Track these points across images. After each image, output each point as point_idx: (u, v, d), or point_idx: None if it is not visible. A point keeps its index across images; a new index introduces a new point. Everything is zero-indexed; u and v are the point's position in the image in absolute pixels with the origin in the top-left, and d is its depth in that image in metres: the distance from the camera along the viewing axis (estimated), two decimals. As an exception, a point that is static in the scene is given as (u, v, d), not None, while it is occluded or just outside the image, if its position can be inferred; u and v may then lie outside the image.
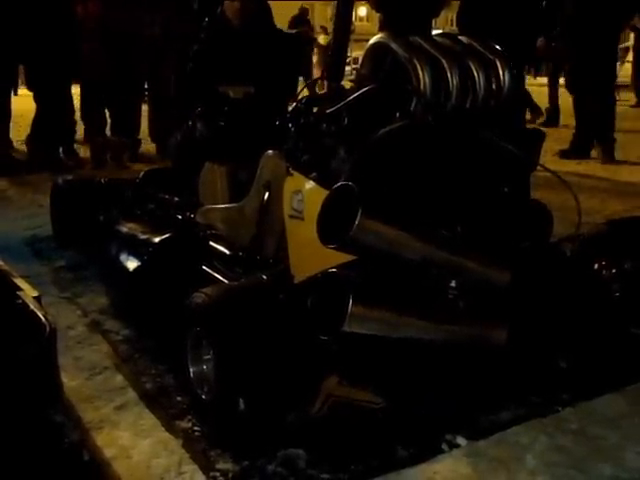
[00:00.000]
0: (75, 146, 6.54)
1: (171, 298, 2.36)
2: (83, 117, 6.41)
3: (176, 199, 3.29)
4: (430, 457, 1.89)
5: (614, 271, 2.36)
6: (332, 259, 1.95)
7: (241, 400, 1.92)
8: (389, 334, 1.91)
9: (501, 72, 2.23)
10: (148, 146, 6.61)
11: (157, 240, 2.83)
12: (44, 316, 1.52)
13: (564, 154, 6.23)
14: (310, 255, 2.12)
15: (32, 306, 1.55)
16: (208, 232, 2.83)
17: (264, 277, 2.31)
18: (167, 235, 2.84)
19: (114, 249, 3.07)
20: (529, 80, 8.91)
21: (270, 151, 2.52)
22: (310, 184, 2.22)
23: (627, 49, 11.47)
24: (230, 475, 1.82)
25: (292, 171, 2.32)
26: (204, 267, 2.63)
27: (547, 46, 6.46)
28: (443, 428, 1.99)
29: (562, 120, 8.21)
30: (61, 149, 6.25)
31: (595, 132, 6.25)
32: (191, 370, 2.11)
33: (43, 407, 1.48)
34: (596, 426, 2.03)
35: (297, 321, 1.95)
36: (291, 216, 2.28)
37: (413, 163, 2.08)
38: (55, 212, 3.80)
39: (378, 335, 1.89)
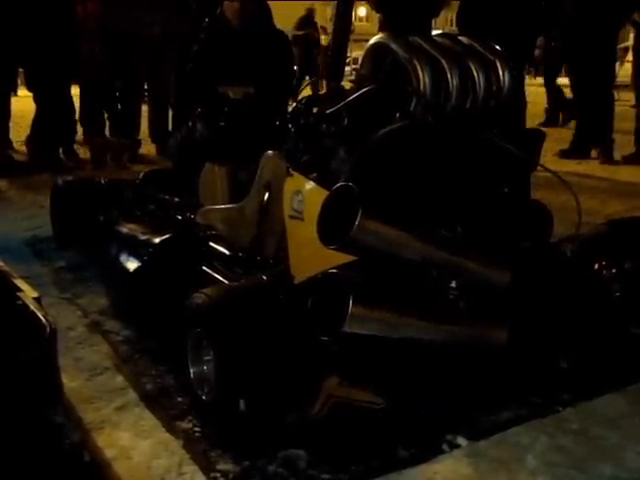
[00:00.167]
0: (75, 147, 6.54)
1: (171, 299, 2.36)
2: (82, 118, 6.41)
3: (176, 200, 3.29)
4: (431, 457, 1.89)
5: (614, 271, 2.36)
6: (332, 259, 1.95)
7: (241, 401, 1.92)
8: (389, 334, 1.91)
9: (501, 72, 2.22)
10: (148, 147, 6.61)
11: (157, 241, 2.83)
12: (44, 317, 1.52)
13: (564, 154, 6.23)
14: (310, 255, 2.12)
15: (32, 307, 1.55)
16: (208, 233, 2.83)
17: (264, 278, 2.31)
18: (167, 236, 2.84)
19: (114, 250, 3.07)
20: (529, 80, 8.90)
21: (270, 151, 2.52)
22: (310, 184, 2.22)
23: (627, 49, 11.45)
24: (231, 476, 1.82)
25: (292, 171, 2.32)
26: (204, 268, 2.63)
27: (547, 46, 6.46)
28: (444, 428, 1.99)
29: (562, 120, 8.21)
30: (61, 150, 6.25)
31: (594, 132, 6.25)
32: (191, 371, 2.11)
33: (43, 408, 1.49)
34: (596, 426, 2.03)
35: (297, 321, 1.95)
36: (291, 216, 2.28)
37: (413, 163, 2.08)
38: (55, 213, 3.80)
39: (378, 335, 1.89)
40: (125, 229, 3.16)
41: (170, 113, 6.56)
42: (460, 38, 2.34)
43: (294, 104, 2.50)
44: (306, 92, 2.62)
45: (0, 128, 6.05)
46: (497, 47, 2.30)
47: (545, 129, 3.50)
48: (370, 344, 1.91)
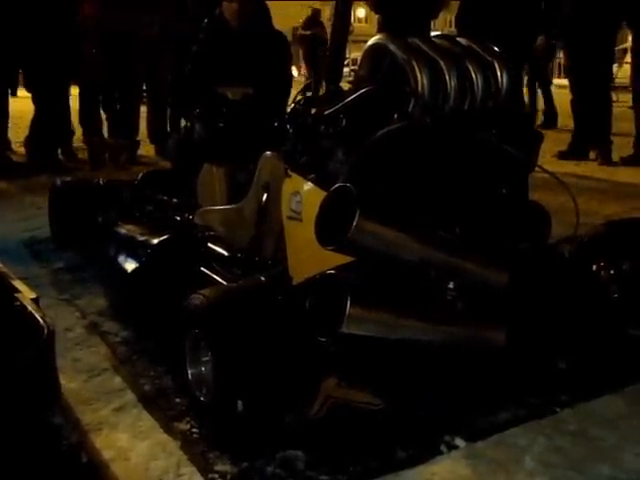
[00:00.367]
0: (74, 147, 6.54)
1: (169, 300, 2.36)
2: (81, 118, 6.41)
3: (174, 200, 3.29)
4: (429, 458, 1.89)
5: (612, 272, 2.36)
6: (330, 260, 1.95)
7: (239, 402, 1.92)
8: (387, 335, 1.91)
9: (499, 74, 2.23)
10: (147, 147, 6.61)
11: (156, 241, 2.83)
12: (42, 318, 1.52)
13: (562, 155, 6.23)
14: (308, 256, 2.12)
15: (30, 308, 1.56)
16: (206, 233, 2.83)
17: (262, 278, 2.31)
18: (166, 236, 2.84)
19: (113, 251, 3.07)
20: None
21: (268, 152, 2.52)
22: (308, 185, 2.22)
23: (625, 50, 11.47)
24: (229, 477, 1.82)
25: (290, 172, 2.32)
26: (202, 268, 2.63)
27: (547, 45, 6.46)
28: (441, 429, 1.99)
29: (560, 121, 8.21)
30: (60, 150, 6.25)
31: (592, 134, 6.25)
32: (189, 372, 2.11)
33: (42, 409, 1.49)
34: (594, 427, 2.03)
35: (295, 322, 1.95)
36: (289, 217, 2.28)
37: (411, 165, 2.08)
38: (53, 214, 3.80)
39: (376, 336, 1.89)
40: (123, 230, 3.16)
41: (168, 114, 6.57)
42: (459, 39, 2.34)
43: (292, 105, 2.50)
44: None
45: (-2, 129, 6.06)
46: (495, 48, 2.30)
47: (543, 130, 3.51)
48: (368, 345, 1.91)
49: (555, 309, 2.23)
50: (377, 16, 5.95)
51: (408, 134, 2.10)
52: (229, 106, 3.15)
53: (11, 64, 5.97)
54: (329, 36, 2.72)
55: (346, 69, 3.65)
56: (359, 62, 2.40)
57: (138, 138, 6.50)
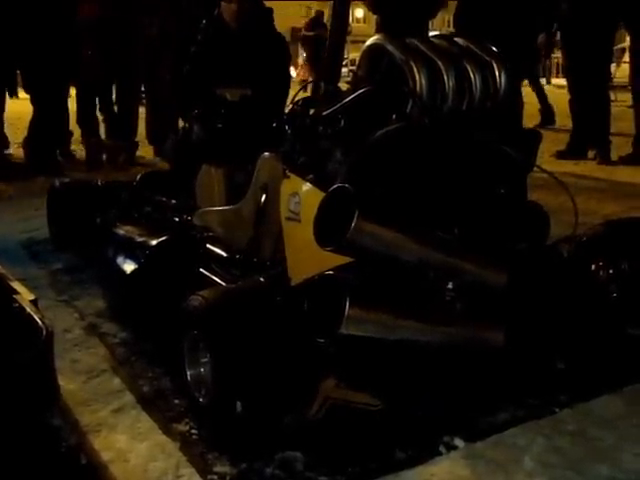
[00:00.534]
0: (72, 148, 6.53)
1: (168, 301, 2.36)
2: (78, 119, 6.40)
3: (173, 202, 3.28)
4: (428, 459, 1.89)
5: (611, 272, 2.36)
6: (329, 261, 1.95)
7: (238, 403, 1.92)
8: (386, 336, 1.91)
9: (497, 74, 2.23)
10: (146, 148, 6.61)
11: (154, 243, 2.83)
12: (41, 319, 1.52)
13: (561, 155, 6.22)
14: (307, 257, 2.12)
15: (29, 309, 1.55)
16: (205, 234, 2.83)
17: (261, 279, 2.31)
18: (164, 238, 2.84)
19: (111, 252, 3.07)
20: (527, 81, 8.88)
21: (267, 153, 2.52)
22: (307, 186, 2.22)
23: (623, 50, 11.47)
24: (228, 478, 1.82)
25: (289, 173, 2.31)
26: (201, 270, 2.63)
27: (548, 43, 6.45)
28: (440, 430, 1.99)
29: (558, 121, 8.21)
30: (58, 151, 6.24)
31: (591, 133, 6.25)
32: (188, 373, 2.11)
33: (40, 410, 1.49)
34: (593, 427, 2.03)
35: (294, 323, 1.95)
36: (288, 218, 2.28)
37: (409, 165, 2.08)
38: (52, 215, 3.79)
39: (375, 337, 1.89)
40: (122, 231, 3.16)
41: (167, 114, 6.55)
42: (457, 39, 2.34)
43: (291, 105, 2.50)
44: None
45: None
46: (494, 48, 2.30)
47: (541, 130, 3.51)
48: (367, 346, 1.91)
49: (554, 309, 2.23)
50: (375, 16, 5.94)
51: (406, 134, 2.10)
52: (227, 107, 3.15)
53: (9, 65, 5.96)
54: (330, 37, 2.72)
55: (344, 69, 3.64)
56: (357, 62, 2.40)
57: (137, 139, 6.50)
